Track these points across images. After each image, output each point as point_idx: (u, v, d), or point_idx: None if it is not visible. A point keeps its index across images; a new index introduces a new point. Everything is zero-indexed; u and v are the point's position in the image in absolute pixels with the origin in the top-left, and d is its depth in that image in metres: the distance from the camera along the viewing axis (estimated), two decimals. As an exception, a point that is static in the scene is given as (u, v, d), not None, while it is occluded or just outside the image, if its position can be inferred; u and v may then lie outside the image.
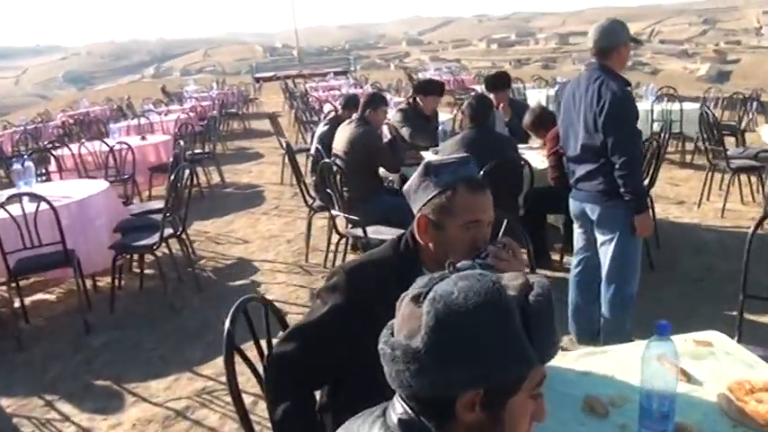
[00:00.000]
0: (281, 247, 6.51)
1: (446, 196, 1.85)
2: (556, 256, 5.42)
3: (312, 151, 6.11)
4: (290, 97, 14.97)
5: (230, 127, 15.61)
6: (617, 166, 3.57)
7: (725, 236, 6.31)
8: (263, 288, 5.44)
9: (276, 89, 22.96)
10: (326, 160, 5.04)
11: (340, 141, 5.39)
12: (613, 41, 3.69)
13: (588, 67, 3.82)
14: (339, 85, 17.86)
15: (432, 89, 6.66)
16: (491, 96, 6.76)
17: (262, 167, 10.99)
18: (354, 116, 5.52)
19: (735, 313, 4.62)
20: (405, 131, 6.37)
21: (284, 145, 6.74)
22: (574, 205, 3.95)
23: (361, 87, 17.26)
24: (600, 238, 3.84)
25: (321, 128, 6.28)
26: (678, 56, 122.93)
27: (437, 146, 6.19)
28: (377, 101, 5.58)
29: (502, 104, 6.77)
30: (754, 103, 10.14)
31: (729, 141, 9.24)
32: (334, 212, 5.20)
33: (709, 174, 7.25)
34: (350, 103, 6.04)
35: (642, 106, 10.52)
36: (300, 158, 7.18)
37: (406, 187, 1.99)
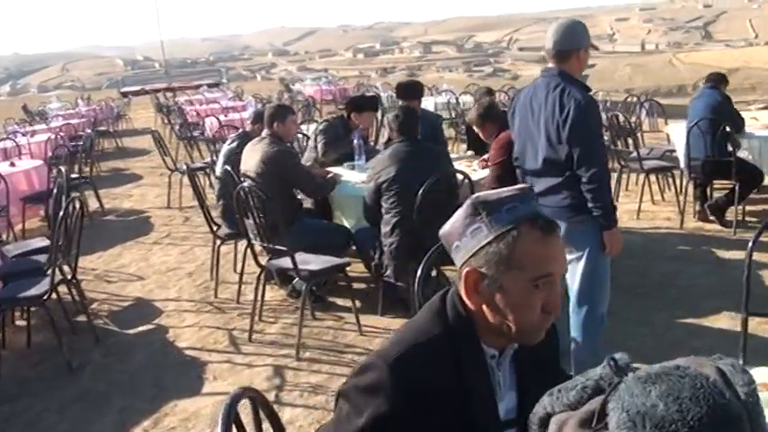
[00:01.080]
0: (182, 281, 5.81)
1: (506, 243, 1.38)
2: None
3: (219, 172, 5.47)
4: (166, 112, 14.02)
5: (102, 146, 14.36)
6: (585, 180, 3.25)
7: (646, 238, 6.26)
8: (171, 334, 4.76)
9: (145, 104, 21.75)
10: (245, 185, 4.45)
11: (250, 161, 4.83)
12: (574, 44, 3.37)
13: (544, 72, 3.47)
14: (216, 98, 17.03)
15: (367, 105, 6.14)
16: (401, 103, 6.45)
17: (143, 190, 10.08)
18: (264, 132, 4.99)
19: (690, 321, 4.55)
20: (320, 146, 5.89)
21: (184, 166, 6.08)
22: (534, 222, 3.60)
23: (241, 99, 16.56)
24: (566, 256, 3.50)
25: (228, 146, 5.63)
26: (537, 61, 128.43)
27: (352, 161, 5.78)
28: (283, 111, 5.06)
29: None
30: (646, 105, 10.29)
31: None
32: (255, 243, 4.61)
33: (620, 176, 7.21)
34: (260, 118, 5.47)
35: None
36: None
37: (444, 231, 1.50)
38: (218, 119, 10.47)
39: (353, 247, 5.09)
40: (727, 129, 6.21)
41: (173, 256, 6.56)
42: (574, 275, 3.48)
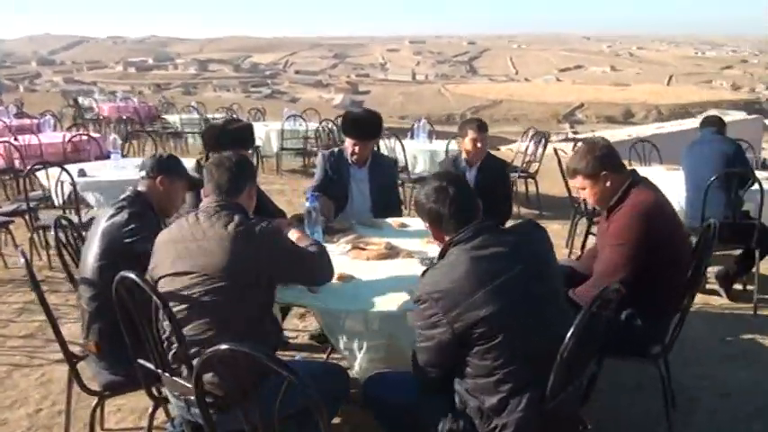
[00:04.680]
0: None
1: None
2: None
3: (90, 272, 2.95)
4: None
5: None
6: None
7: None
8: None
9: None
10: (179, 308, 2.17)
11: (202, 257, 2.52)
12: None
13: None
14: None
15: (234, 142, 3.78)
16: (350, 145, 4.48)
17: None
18: (213, 202, 2.68)
19: None
20: None
21: None
22: None
23: (29, 116, 13.21)
24: None
25: (108, 221, 3.03)
26: (314, 85, 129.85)
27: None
28: (250, 168, 2.92)
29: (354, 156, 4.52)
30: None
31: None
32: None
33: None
34: (170, 168, 3.07)
35: (418, 146, 8.90)
36: None
37: None
38: (11, 144, 7.62)
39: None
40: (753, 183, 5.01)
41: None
42: None
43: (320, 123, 10.64)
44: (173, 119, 14.36)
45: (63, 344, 2.84)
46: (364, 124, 4.45)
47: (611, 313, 2.43)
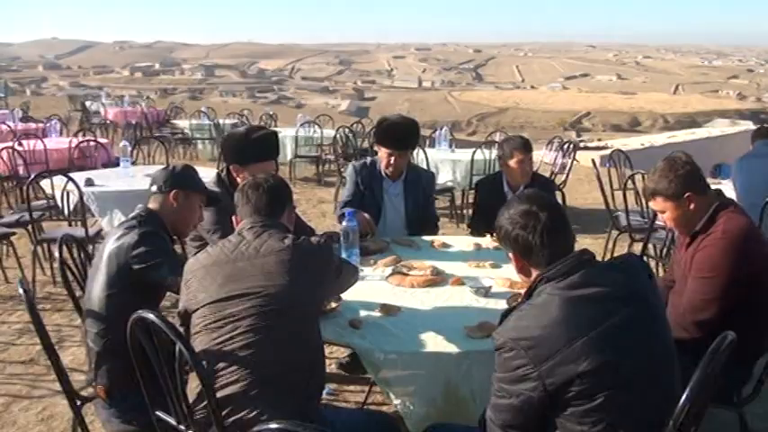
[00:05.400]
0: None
1: None
2: None
3: (96, 303, 2.48)
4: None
5: None
6: None
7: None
8: None
9: None
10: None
11: (259, 275, 2.19)
12: None
13: None
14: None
15: (259, 153, 3.50)
16: (386, 156, 4.09)
17: None
18: (254, 221, 2.37)
19: None
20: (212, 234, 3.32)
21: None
22: None
23: (34, 120, 12.85)
24: None
25: (116, 242, 2.63)
26: (320, 91, 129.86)
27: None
28: (287, 189, 2.60)
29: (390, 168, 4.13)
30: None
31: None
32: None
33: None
34: (186, 182, 2.71)
35: (439, 155, 8.48)
36: None
37: None
38: (15, 150, 7.25)
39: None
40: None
41: None
42: None
43: (337, 130, 10.23)
44: (182, 124, 13.98)
45: (64, 381, 2.44)
46: (401, 132, 4.04)
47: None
